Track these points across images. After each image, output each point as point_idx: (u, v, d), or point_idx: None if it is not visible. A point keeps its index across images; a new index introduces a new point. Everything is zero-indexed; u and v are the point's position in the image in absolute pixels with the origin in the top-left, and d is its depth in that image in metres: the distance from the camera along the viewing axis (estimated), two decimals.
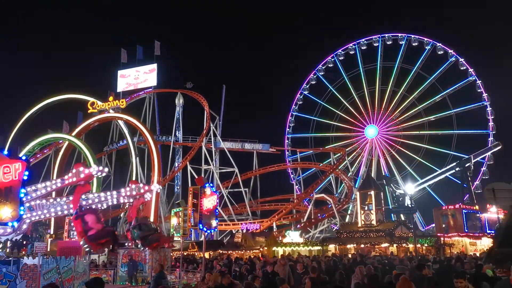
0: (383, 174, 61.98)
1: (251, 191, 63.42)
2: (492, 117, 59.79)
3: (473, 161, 55.20)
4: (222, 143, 62.88)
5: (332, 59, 70.18)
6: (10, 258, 14.04)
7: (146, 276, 19.90)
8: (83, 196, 15.50)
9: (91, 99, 49.72)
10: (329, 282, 10.51)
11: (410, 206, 43.75)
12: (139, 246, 17.24)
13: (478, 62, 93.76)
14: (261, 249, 38.29)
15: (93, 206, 16.35)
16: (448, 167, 57.55)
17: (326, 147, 70.56)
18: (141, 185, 17.58)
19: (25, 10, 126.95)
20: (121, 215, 52.80)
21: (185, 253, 32.95)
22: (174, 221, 21.44)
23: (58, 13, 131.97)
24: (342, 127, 71.64)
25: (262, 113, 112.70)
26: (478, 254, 26.40)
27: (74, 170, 14.41)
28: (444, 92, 64.54)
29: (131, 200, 17.25)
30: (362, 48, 69.30)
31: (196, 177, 40.95)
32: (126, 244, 17.90)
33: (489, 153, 57.43)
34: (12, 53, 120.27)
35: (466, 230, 39.33)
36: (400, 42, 66.47)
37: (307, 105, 72.52)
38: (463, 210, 40.69)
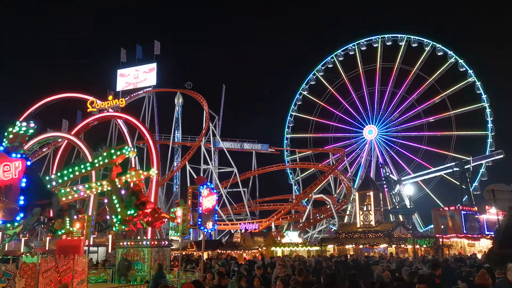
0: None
1: (250, 191, 63.55)
2: (492, 118, 59.97)
3: (472, 164, 55.19)
4: (221, 143, 62.89)
5: (332, 60, 70.20)
6: (9, 257, 14.02)
7: (145, 275, 19.88)
8: None
9: (90, 98, 49.60)
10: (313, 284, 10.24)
11: (409, 207, 43.75)
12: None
13: (477, 63, 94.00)
14: (259, 249, 38.29)
15: None
16: (446, 165, 57.50)
17: (325, 147, 70.64)
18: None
19: (24, 9, 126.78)
20: None
21: (183, 253, 32.93)
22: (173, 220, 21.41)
23: (57, 12, 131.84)
24: (341, 127, 71.76)
25: (262, 113, 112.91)
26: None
27: None
28: (444, 94, 64.64)
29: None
30: (362, 48, 69.34)
31: (195, 176, 41.04)
32: None
33: (490, 159, 57.21)
34: (11, 51, 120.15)
35: (465, 231, 39.38)
36: (400, 43, 66.56)
37: (306, 105, 72.73)
38: (462, 211, 40.74)
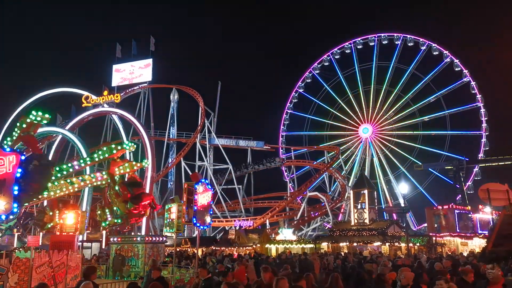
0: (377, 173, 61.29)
1: (244, 188, 63.54)
2: (486, 118, 60.30)
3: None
4: (216, 139, 62.81)
5: (328, 58, 70.37)
6: (2, 252, 13.92)
7: (139, 271, 19.81)
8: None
9: (85, 93, 49.46)
10: None
11: (403, 205, 43.94)
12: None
13: (473, 63, 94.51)
14: (254, 246, 38.32)
15: None
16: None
17: (320, 145, 70.78)
18: None
19: (21, 4, 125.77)
20: None
21: (178, 249, 32.87)
22: (168, 216, 21.34)
23: (53, 8, 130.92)
24: (336, 125, 72.02)
25: (257, 110, 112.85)
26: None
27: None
28: (439, 93, 65.00)
29: None
30: (358, 47, 69.53)
31: (190, 173, 40.89)
32: None
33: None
34: (7, 46, 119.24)
35: (458, 230, 39.58)
36: (396, 42, 66.76)
37: (302, 103, 72.94)
38: (455, 210, 40.94)
